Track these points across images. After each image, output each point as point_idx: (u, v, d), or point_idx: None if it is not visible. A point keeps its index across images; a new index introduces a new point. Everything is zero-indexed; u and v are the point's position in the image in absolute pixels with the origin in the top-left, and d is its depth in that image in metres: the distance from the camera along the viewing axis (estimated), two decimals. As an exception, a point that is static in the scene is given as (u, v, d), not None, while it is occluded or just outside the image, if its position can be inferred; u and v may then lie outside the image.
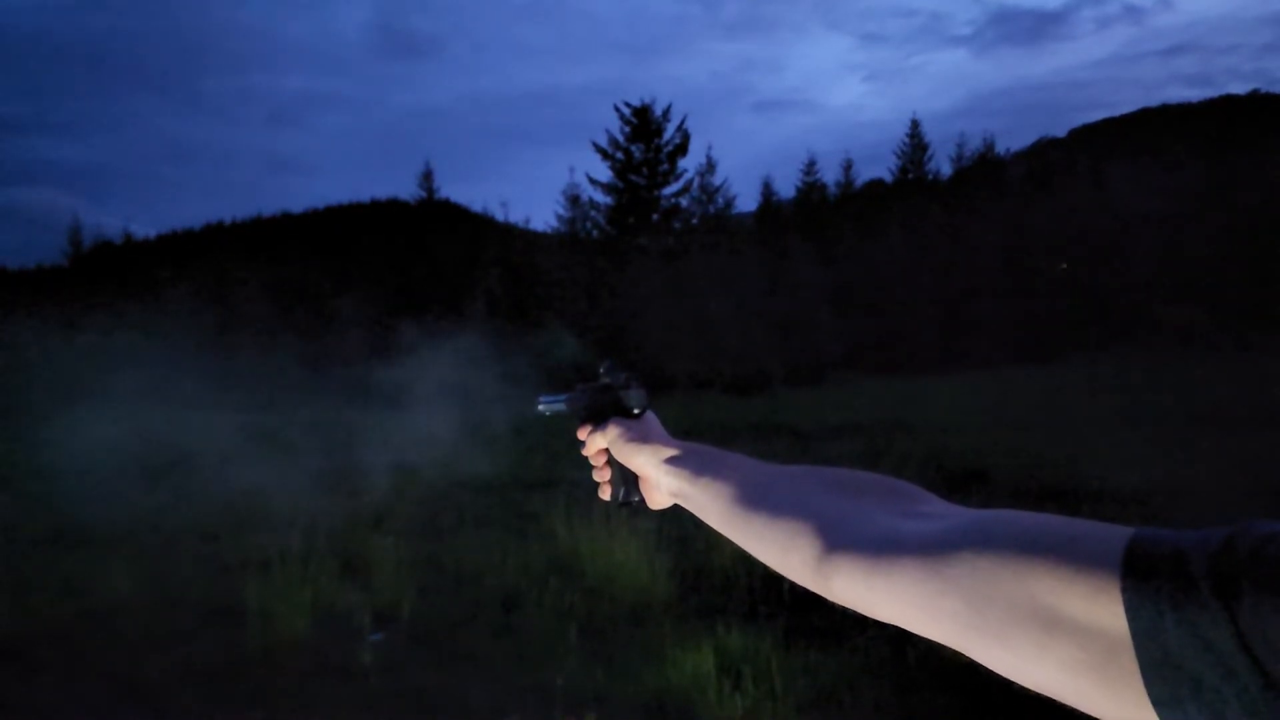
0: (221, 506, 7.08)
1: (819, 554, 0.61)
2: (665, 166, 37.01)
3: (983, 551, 0.49)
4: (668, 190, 37.29)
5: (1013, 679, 0.48)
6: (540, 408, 1.18)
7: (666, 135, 36.93)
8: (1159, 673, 0.39)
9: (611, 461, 0.97)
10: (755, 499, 0.72)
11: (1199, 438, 9.75)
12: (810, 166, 47.98)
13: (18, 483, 9.20)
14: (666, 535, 5.43)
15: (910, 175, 45.93)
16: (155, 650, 4.40)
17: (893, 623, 0.56)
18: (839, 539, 0.60)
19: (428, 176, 50.03)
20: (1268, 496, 6.62)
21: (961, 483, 7.59)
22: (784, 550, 0.65)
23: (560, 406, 1.13)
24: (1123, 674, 0.41)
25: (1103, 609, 0.42)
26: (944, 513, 0.59)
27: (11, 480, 9.36)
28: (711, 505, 0.77)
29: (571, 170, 54.40)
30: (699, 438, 0.93)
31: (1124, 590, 0.41)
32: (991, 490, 7.38)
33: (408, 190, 60.11)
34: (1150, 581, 0.40)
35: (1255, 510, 6.19)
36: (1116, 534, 0.44)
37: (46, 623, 4.81)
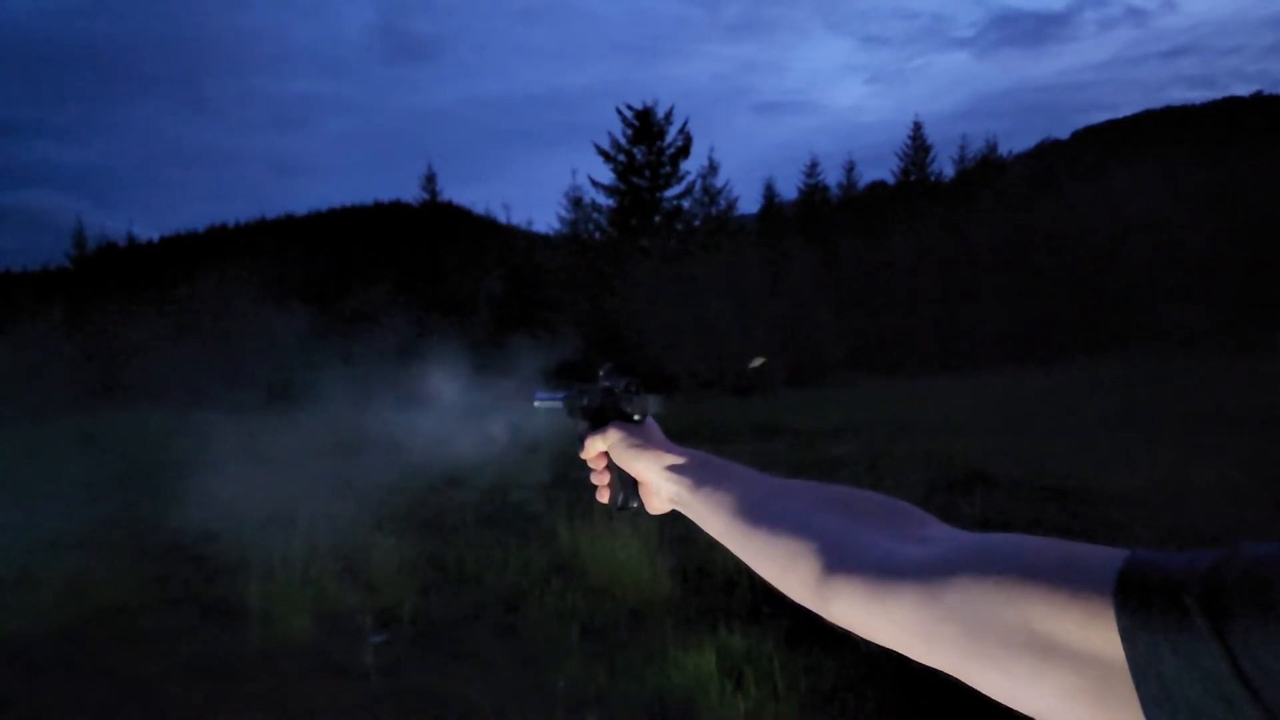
0: (225, 507, 7.09)
1: (819, 575, 0.61)
2: (667, 168, 37.06)
3: (979, 578, 0.49)
4: (669, 192, 37.35)
5: (1010, 705, 0.48)
6: (536, 404, 1.16)
7: (668, 137, 37.00)
8: (1157, 702, 0.39)
9: (611, 466, 0.97)
10: (757, 513, 0.72)
11: (1201, 439, 9.73)
12: (812, 168, 48.05)
13: (22, 483, 9.22)
14: (668, 535, 5.43)
15: (912, 177, 45.94)
16: (157, 650, 4.41)
17: (891, 647, 0.56)
18: (839, 561, 0.60)
19: (430, 179, 50.08)
20: (1270, 498, 6.60)
21: (963, 484, 7.57)
22: (784, 568, 0.66)
23: (557, 405, 1.11)
24: (1120, 701, 0.41)
25: (1098, 635, 0.42)
26: (944, 537, 0.58)
27: (16, 480, 9.38)
28: (712, 516, 0.77)
29: (574, 172, 54.65)
30: (701, 438, 0.93)
31: (1119, 618, 0.41)
32: (993, 492, 7.36)
33: (410, 193, 60.20)
34: (1144, 609, 0.40)
35: (1257, 512, 6.18)
36: (1110, 558, 0.44)
37: (50, 621, 4.82)
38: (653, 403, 0.96)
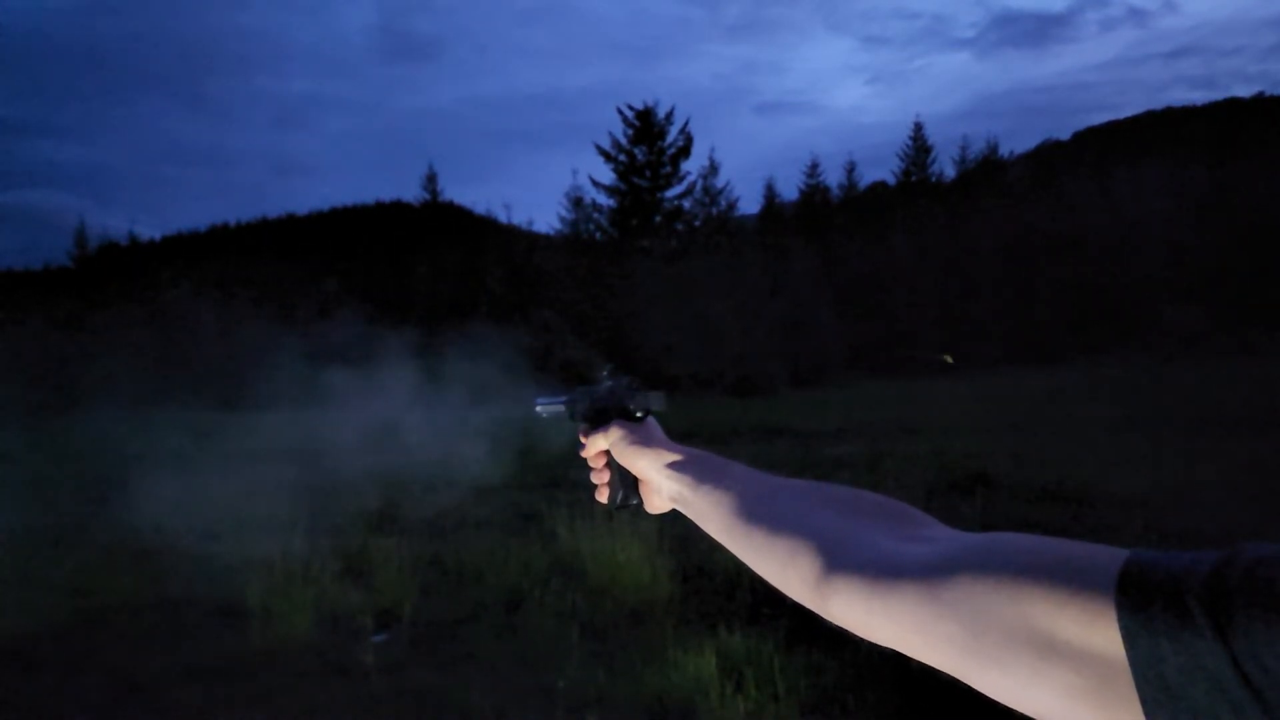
0: (222, 507, 7.09)
1: (818, 574, 0.61)
2: (668, 168, 37.11)
3: (980, 576, 0.49)
4: (670, 192, 37.41)
5: (1010, 705, 0.47)
6: (538, 409, 1.17)
7: (669, 138, 37.06)
8: (1158, 701, 0.39)
9: (611, 464, 0.97)
10: (757, 512, 0.71)
11: (1202, 440, 9.73)
12: (813, 168, 48.09)
13: (22, 482, 9.22)
14: (669, 536, 5.43)
15: (913, 177, 45.95)
16: (157, 649, 4.41)
17: (890, 646, 0.56)
18: (839, 560, 0.60)
19: (431, 179, 50.26)
20: (1271, 499, 6.60)
21: (964, 485, 7.57)
22: (783, 567, 0.65)
23: (559, 409, 1.12)
24: (1120, 699, 0.40)
25: (1098, 634, 0.41)
26: (944, 537, 0.58)
27: (16, 480, 9.38)
28: (712, 514, 0.77)
29: (574, 172, 54.62)
30: (701, 439, 0.93)
31: (1120, 618, 0.41)
32: (993, 493, 7.36)
33: (411, 192, 60.33)
34: (1146, 609, 0.40)
35: (1258, 513, 6.18)
36: (1112, 557, 0.44)
37: (49, 621, 4.82)
38: (654, 399, 0.96)
